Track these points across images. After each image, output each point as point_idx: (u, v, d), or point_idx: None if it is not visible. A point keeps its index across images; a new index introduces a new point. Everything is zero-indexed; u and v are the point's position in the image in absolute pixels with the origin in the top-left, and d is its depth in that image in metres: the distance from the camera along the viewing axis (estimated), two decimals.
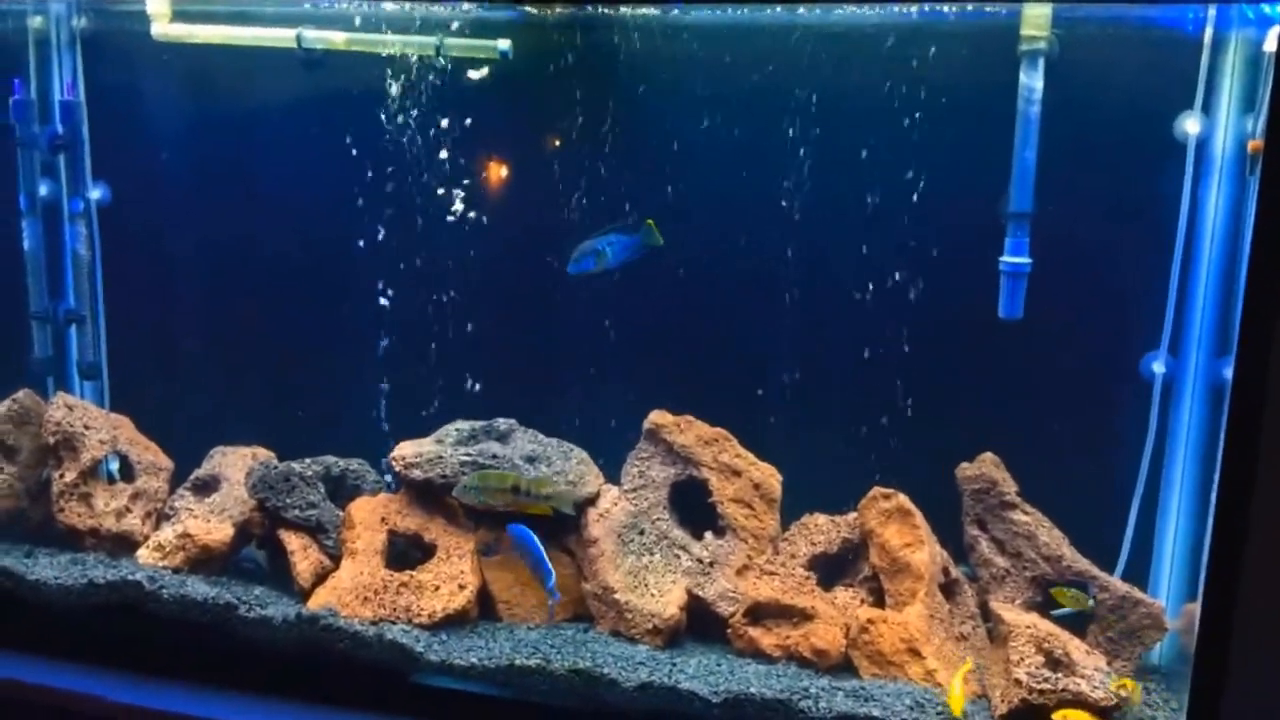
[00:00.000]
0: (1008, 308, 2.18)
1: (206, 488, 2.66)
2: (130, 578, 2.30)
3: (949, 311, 2.29)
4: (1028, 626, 1.99)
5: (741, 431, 2.40)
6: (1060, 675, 1.90)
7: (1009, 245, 2.16)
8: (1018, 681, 1.90)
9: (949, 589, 2.23)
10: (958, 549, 2.30)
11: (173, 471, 2.72)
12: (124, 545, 2.54)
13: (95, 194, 2.71)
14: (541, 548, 2.17)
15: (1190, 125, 2.06)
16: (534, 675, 2.10)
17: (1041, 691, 1.87)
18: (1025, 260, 2.16)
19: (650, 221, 2.25)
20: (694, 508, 2.42)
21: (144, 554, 2.47)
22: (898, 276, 2.28)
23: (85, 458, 2.61)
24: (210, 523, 2.51)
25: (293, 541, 2.39)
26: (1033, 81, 2.08)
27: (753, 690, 2.01)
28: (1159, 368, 2.15)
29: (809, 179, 2.27)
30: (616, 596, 2.24)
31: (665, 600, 2.25)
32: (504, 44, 2.34)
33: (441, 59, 2.40)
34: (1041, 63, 2.08)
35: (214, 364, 2.84)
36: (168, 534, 2.49)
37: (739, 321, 2.46)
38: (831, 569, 2.34)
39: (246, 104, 2.64)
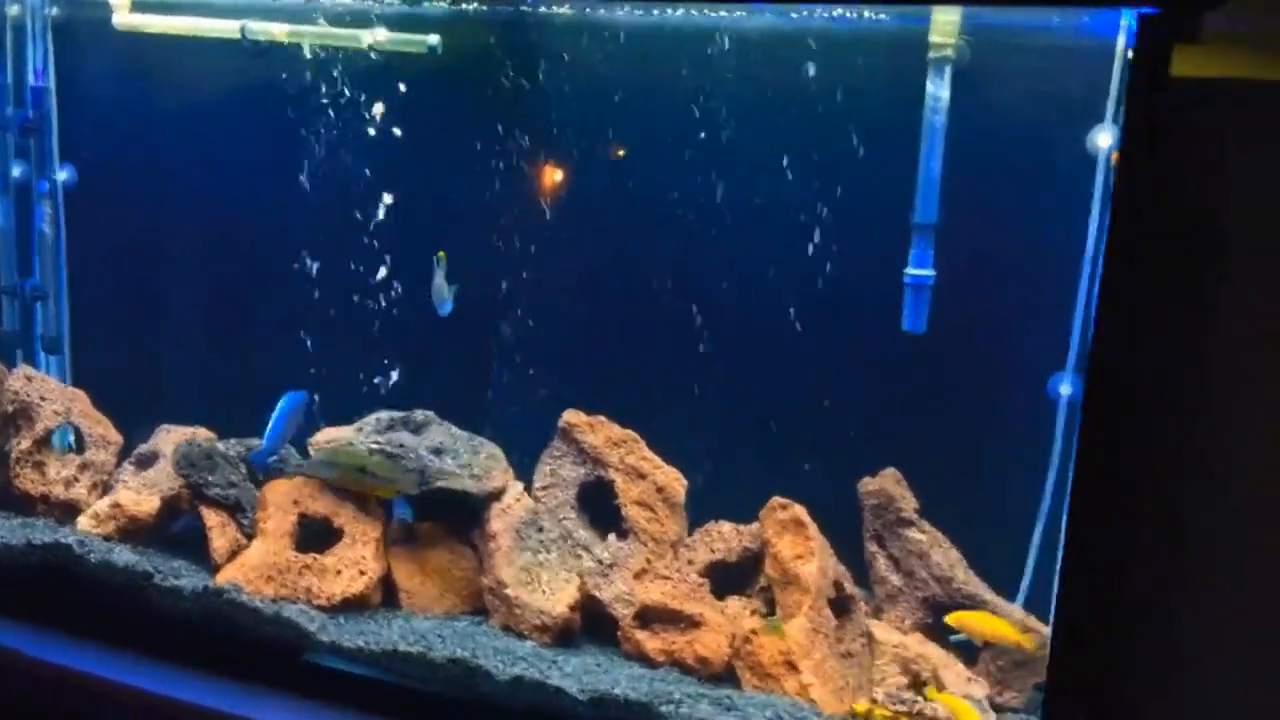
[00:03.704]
0: (911, 321, 2.30)
1: (146, 462, 2.98)
2: (63, 541, 2.64)
3: (861, 323, 2.41)
4: (895, 646, 2.11)
5: (659, 437, 2.58)
6: (921, 699, 2.01)
7: (913, 257, 2.28)
8: (873, 700, 2.03)
9: (842, 605, 2.36)
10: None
11: (121, 446, 3.05)
12: (70, 512, 2.88)
13: (62, 175, 3.07)
14: (284, 421, 2.48)
15: (1102, 139, 2.14)
16: (414, 662, 2.33)
17: (894, 713, 1.99)
18: (929, 273, 2.28)
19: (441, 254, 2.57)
20: (607, 509, 2.60)
21: (83, 521, 2.80)
22: (806, 284, 2.42)
23: (39, 427, 2.97)
24: (141, 495, 2.82)
25: (212, 518, 2.68)
26: (939, 90, 2.20)
27: (617, 691, 2.19)
28: (1065, 389, 2.23)
29: (717, 185, 2.43)
30: (507, 592, 2.44)
31: (556, 598, 2.44)
32: (433, 39, 2.58)
33: (373, 53, 2.65)
34: (948, 71, 2.19)
35: (171, 343, 3.17)
36: (103, 504, 2.81)
37: (657, 325, 2.63)
38: (732, 578, 2.49)
39: (204, 92, 2.95)
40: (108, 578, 2.58)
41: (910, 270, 2.29)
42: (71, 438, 3.05)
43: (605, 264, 2.60)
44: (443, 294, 2.55)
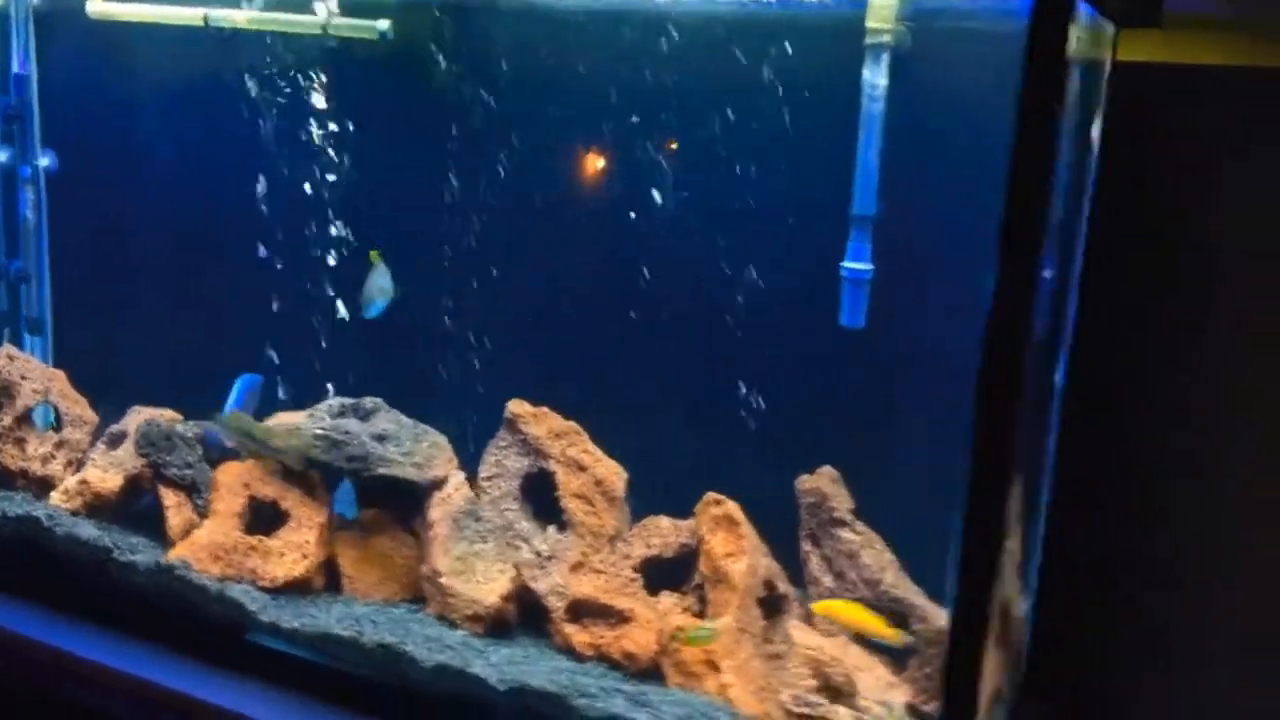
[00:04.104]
0: (849, 316, 2.25)
1: (116, 442, 3.08)
2: (32, 514, 2.77)
3: (800, 318, 2.38)
4: (810, 648, 2.08)
5: (607, 430, 2.57)
6: (826, 703, 1.98)
7: (850, 250, 2.23)
8: (782, 703, 2.00)
9: (774, 604, 2.33)
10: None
11: (96, 425, 3.16)
12: (46, 488, 3.00)
13: (44, 161, 3.18)
14: (240, 403, 2.59)
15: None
16: (346, 646, 2.38)
17: (799, 716, 1.96)
18: (867, 267, 2.23)
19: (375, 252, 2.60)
20: (551, 501, 2.61)
21: (55, 496, 2.92)
22: (743, 277, 2.38)
23: (19, 405, 3.09)
24: (107, 472, 2.92)
25: (169, 498, 2.77)
26: (876, 78, 2.14)
27: (535, 683, 2.20)
28: None
29: (651, 175, 2.41)
30: (442, 580, 2.47)
31: (489, 589, 2.46)
32: (383, 24, 2.61)
33: (330, 38, 2.69)
34: (886, 58, 2.14)
35: (149, 326, 3.26)
36: (73, 480, 2.92)
37: (596, 317, 2.63)
38: (669, 573, 2.48)
39: (177, 79, 3.03)
40: (73, 551, 2.70)
41: (847, 264, 2.24)
42: (53, 417, 3.17)
43: (549, 254, 2.60)
44: (371, 295, 2.56)
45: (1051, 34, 1.55)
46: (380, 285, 2.56)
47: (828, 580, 2.30)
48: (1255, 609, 2.36)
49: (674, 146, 2.38)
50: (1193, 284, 2.31)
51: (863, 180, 2.19)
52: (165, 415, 3.06)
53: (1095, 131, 2.16)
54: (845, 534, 2.29)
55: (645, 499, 2.57)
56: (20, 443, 3.08)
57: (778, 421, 2.44)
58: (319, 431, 2.63)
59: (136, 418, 3.13)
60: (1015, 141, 1.55)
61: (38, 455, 3.08)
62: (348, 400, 2.74)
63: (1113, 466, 2.44)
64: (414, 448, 2.62)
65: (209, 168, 3.10)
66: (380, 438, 2.62)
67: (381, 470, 2.57)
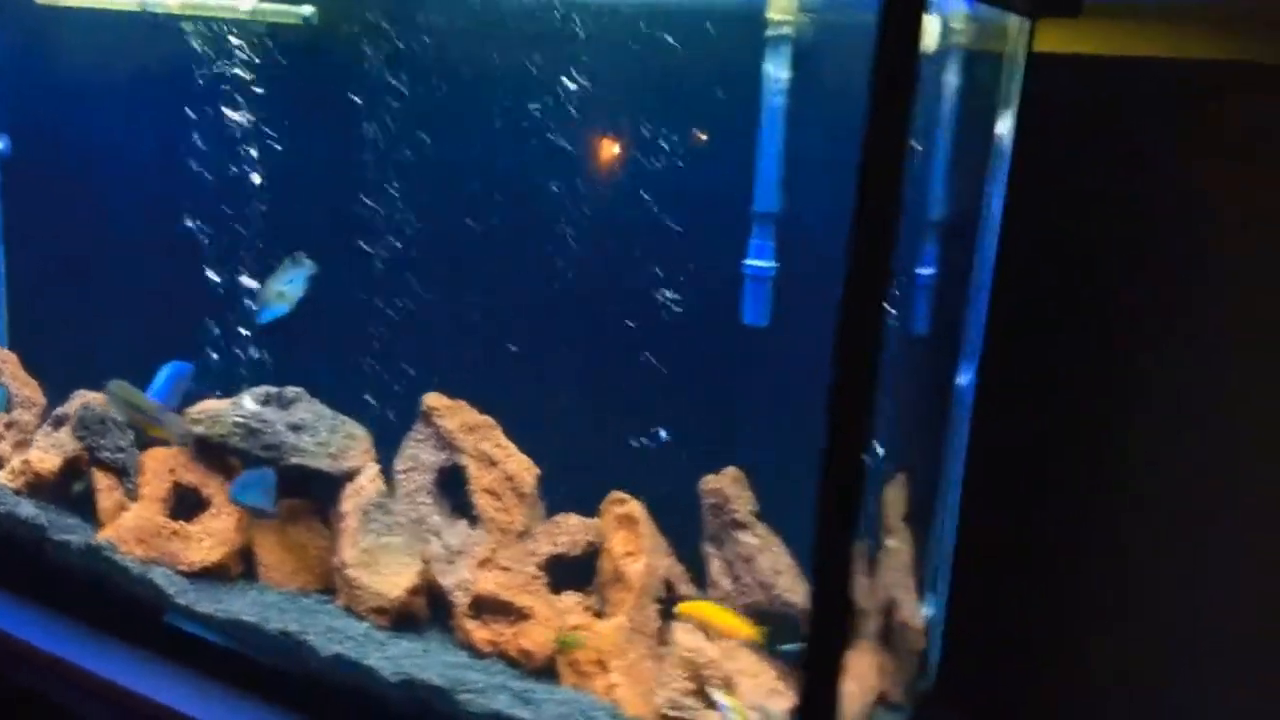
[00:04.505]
0: (752, 314, 2.22)
1: (60, 424, 3.14)
2: None
3: (703, 317, 2.34)
4: (687, 650, 2.06)
5: (524, 425, 2.57)
6: (700, 706, 1.96)
7: (752, 248, 2.19)
8: (656, 707, 1.99)
9: (674, 606, 2.31)
10: None
11: (44, 407, 3.24)
12: None
13: None
14: (168, 388, 2.65)
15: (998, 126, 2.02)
16: (251, 632, 2.42)
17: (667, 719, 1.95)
18: (770, 264, 2.19)
19: (299, 252, 2.59)
20: (466, 495, 2.61)
21: (1, 475, 2.99)
22: (645, 275, 2.35)
23: None
24: (47, 454, 2.99)
25: (101, 480, 2.84)
26: (777, 70, 2.10)
27: (425, 676, 2.22)
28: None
29: (549, 171, 2.38)
30: (349, 572, 2.49)
31: (395, 582, 2.47)
32: (308, 9, 2.62)
33: (255, 23, 2.70)
34: (788, 49, 2.09)
35: (102, 310, 3.31)
36: (17, 460, 2.99)
37: (517, 315, 2.61)
38: (576, 572, 2.47)
39: (123, 64, 3.06)
40: (12, 529, 2.79)
41: (750, 261, 2.20)
42: (4, 399, 3.25)
43: (469, 244, 2.59)
44: (266, 297, 2.57)
45: (903, 24, 1.50)
46: (278, 289, 2.55)
47: (726, 583, 2.28)
48: (1173, 609, 2.31)
49: (575, 139, 2.35)
50: (1112, 279, 2.24)
51: (764, 175, 2.15)
52: (103, 399, 3.14)
53: (1004, 126, 2.10)
54: (745, 536, 2.26)
55: (567, 495, 2.57)
56: None
57: (690, 420, 2.41)
58: (238, 419, 2.66)
59: (79, 400, 3.21)
60: (864, 138, 1.50)
61: None
62: (272, 389, 2.77)
63: (1027, 468, 2.39)
64: (329, 438, 2.64)
65: (149, 152, 3.13)
66: (296, 427, 2.65)
67: (295, 460, 2.60)
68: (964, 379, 2.29)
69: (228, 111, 2.91)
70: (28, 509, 2.80)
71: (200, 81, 2.92)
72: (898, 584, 2.24)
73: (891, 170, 1.55)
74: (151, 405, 2.68)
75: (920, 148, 1.86)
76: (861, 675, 2.12)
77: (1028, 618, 2.48)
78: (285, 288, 2.55)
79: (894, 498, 2.19)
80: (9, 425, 3.21)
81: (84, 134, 3.19)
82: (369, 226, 2.70)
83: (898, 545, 2.19)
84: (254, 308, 2.59)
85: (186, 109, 3.01)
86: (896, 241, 1.56)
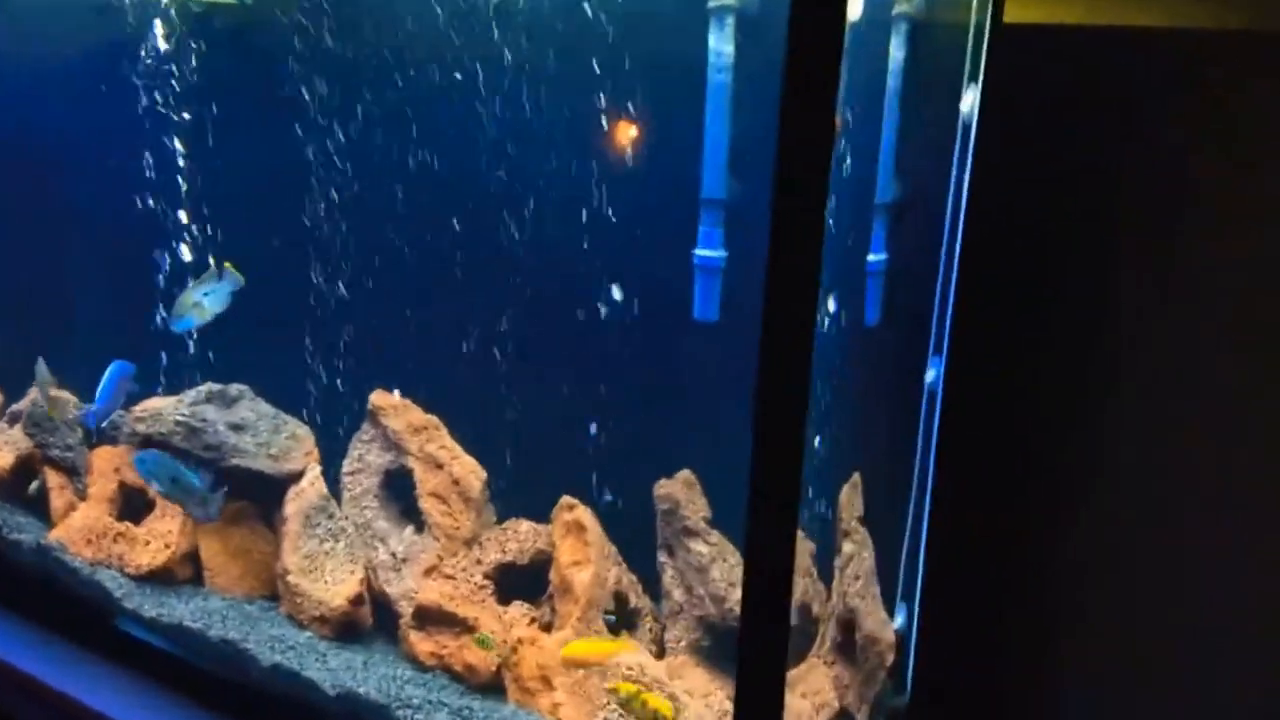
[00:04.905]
0: (702, 308, 2.09)
1: (15, 421, 3.08)
2: None
3: (653, 311, 2.22)
4: (628, 669, 1.95)
5: (471, 425, 2.47)
6: None
7: (701, 236, 2.06)
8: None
9: (626, 618, 2.21)
10: None
11: (2, 403, 3.17)
12: None
13: None
14: (114, 388, 2.59)
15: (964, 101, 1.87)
16: (193, 638, 2.38)
17: None
18: (719, 254, 2.06)
19: (228, 264, 2.47)
20: (414, 499, 2.52)
21: None
22: (589, 267, 2.22)
23: None
24: (2, 451, 2.92)
25: (53, 479, 2.81)
26: (721, 45, 1.95)
27: (363, 690, 2.14)
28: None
29: (484, 157, 2.25)
30: (290, 579, 2.41)
31: (336, 590, 2.39)
32: None
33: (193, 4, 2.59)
34: (732, 22, 1.94)
35: (64, 306, 3.24)
36: None
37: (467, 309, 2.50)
38: (525, 580, 2.37)
39: (75, 50, 2.95)
40: None
41: (699, 251, 2.07)
42: None
43: (408, 234, 2.47)
44: (182, 307, 2.46)
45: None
46: (195, 300, 2.44)
47: (678, 594, 2.17)
48: (1157, 614, 2.17)
49: (509, 127, 2.23)
50: (1088, 264, 2.09)
51: (711, 159, 2.01)
52: (65, 397, 3.07)
53: (968, 102, 1.94)
54: (697, 545, 2.15)
55: (519, 500, 2.47)
56: None
57: (640, 422, 2.30)
58: (178, 418, 2.57)
59: (32, 397, 3.15)
60: (781, 115, 1.37)
61: None
62: (215, 386, 2.67)
63: (1000, 466, 2.25)
64: (271, 439, 2.55)
65: (97, 139, 3.03)
66: (237, 427, 2.56)
67: (235, 461, 2.52)
68: (930, 373, 2.15)
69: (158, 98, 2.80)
70: None
71: (140, 65, 2.83)
72: (858, 592, 2.11)
73: (814, 150, 1.42)
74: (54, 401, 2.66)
75: (852, 124, 1.71)
76: (814, 690, 2.01)
77: (1008, 625, 2.35)
78: (203, 299, 2.44)
79: (849, 499, 2.07)
80: None
81: (21, 122, 3.09)
82: (308, 218, 2.60)
83: (855, 549, 2.07)
84: (168, 317, 2.48)
85: (118, 95, 2.91)
86: (821, 226, 1.43)
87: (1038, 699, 2.37)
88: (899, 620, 2.27)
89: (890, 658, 2.20)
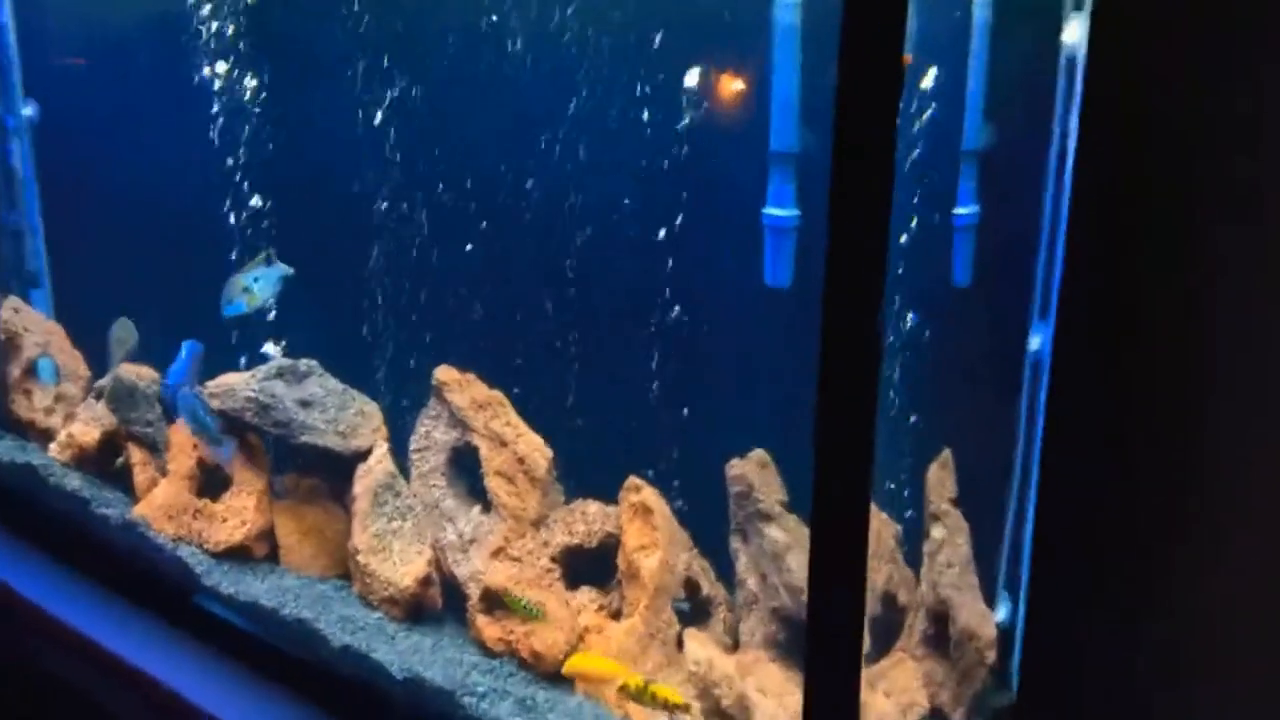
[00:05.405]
0: (773, 273, 1.93)
1: (101, 396, 3.15)
2: (29, 462, 2.95)
3: (724, 277, 2.06)
4: (694, 664, 1.84)
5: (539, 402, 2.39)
6: None
7: (771, 194, 1.89)
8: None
9: (698, 607, 2.10)
10: None
11: (89, 379, 3.27)
12: (47, 439, 3.14)
13: (27, 111, 3.22)
14: (189, 364, 2.58)
15: (1068, 33, 1.64)
16: (268, 617, 2.38)
17: None
18: (792, 213, 1.88)
19: (270, 250, 2.46)
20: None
21: (52, 448, 3.05)
22: (656, 235, 2.08)
23: (24, 357, 3.24)
24: (89, 426, 3.00)
25: (135, 454, 2.86)
26: None
27: (429, 675, 2.11)
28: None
29: (547, 124, 2.12)
30: (359, 558, 2.38)
31: (405, 571, 2.35)
32: None
33: None
34: None
35: (143, 278, 3.29)
36: (64, 433, 3.04)
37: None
38: (594, 564, 2.28)
39: (154, 25, 2.96)
40: (61, 500, 2.86)
41: (769, 210, 1.90)
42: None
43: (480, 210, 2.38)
44: (231, 292, 2.43)
45: None
46: (244, 285, 2.42)
47: (752, 583, 2.04)
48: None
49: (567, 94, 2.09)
50: (1216, 220, 1.82)
51: (781, 109, 1.83)
52: (136, 371, 3.13)
53: (1073, 34, 1.70)
54: (772, 531, 2.01)
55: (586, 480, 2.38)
56: (29, 394, 3.24)
57: (713, 397, 2.16)
58: (249, 394, 2.56)
59: (119, 374, 3.22)
60: (841, 54, 1.20)
61: (40, 408, 3.22)
62: (286, 362, 2.65)
63: (1117, 446, 2.01)
64: (339, 415, 2.52)
65: (190, 119, 3.04)
66: (306, 403, 2.54)
67: (304, 438, 2.50)
68: (1035, 340, 1.94)
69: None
70: (74, 481, 2.86)
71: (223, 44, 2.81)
72: (952, 581, 1.94)
73: (880, 88, 1.25)
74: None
75: (929, 63, 1.51)
76: (901, 688, 1.86)
77: (1125, 619, 2.14)
78: (252, 285, 2.43)
79: (939, 478, 1.89)
80: (59, 398, 3.25)
81: (107, 103, 3.13)
82: (385, 196, 2.53)
83: (947, 534, 1.90)
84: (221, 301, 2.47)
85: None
86: (890, 174, 1.26)
87: (1163, 700, 2.16)
88: (1001, 613, 2.09)
89: (991, 654, 2.03)
